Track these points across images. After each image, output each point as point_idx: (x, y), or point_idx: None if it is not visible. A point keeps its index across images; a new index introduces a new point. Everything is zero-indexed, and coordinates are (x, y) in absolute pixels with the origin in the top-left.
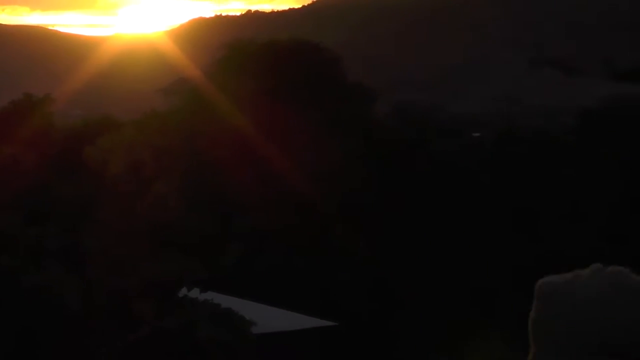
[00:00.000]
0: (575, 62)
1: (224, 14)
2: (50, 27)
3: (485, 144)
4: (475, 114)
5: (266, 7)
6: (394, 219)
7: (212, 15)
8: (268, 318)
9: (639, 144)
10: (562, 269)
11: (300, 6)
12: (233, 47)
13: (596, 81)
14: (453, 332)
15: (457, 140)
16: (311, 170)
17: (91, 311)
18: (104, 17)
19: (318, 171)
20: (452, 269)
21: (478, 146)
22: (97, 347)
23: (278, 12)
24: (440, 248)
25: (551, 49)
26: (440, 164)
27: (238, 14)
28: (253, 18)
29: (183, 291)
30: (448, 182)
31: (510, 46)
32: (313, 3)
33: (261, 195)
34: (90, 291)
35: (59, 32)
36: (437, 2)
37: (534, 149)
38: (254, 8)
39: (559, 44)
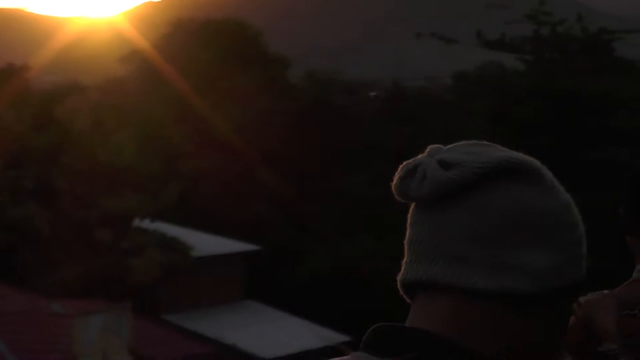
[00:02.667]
0: (452, 34)
1: None
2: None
3: (378, 101)
4: (371, 77)
5: None
6: (304, 161)
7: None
8: (204, 243)
9: (503, 100)
10: None
11: None
12: (177, 25)
13: (470, 49)
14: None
15: (355, 97)
16: (238, 122)
17: (60, 237)
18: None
19: (243, 124)
20: (349, 199)
21: (373, 102)
22: (65, 265)
23: None
24: (340, 182)
25: (432, 23)
26: (341, 116)
27: None
28: (192, 1)
29: (136, 222)
30: (346, 131)
31: (399, 20)
32: None
33: (198, 143)
34: (59, 222)
35: (31, 13)
36: None
37: (418, 105)
38: None
39: (438, 19)
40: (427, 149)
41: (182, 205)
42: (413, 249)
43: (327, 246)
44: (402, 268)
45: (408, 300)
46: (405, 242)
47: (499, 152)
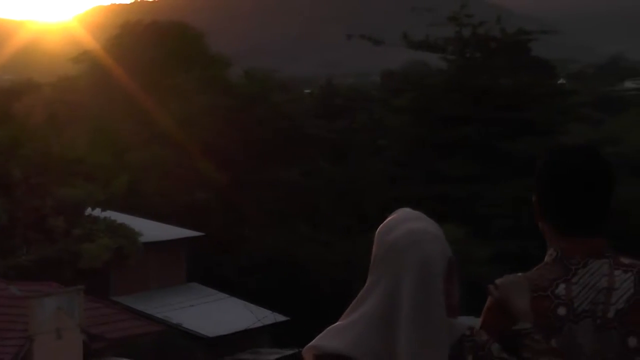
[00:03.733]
0: (380, 36)
1: (117, 2)
2: None
3: (312, 97)
4: (306, 75)
5: None
6: (243, 153)
7: (109, 3)
8: (150, 230)
9: (427, 96)
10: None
11: None
12: (124, 27)
13: (396, 50)
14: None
15: (291, 94)
16: (181, 118)
17: (16, 224)
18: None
19: (186, 119)
20: (284, 189)
21: (307, 98)
22: (21, 250)
23: (160, 1)
24: (276, 173)
25: (362, 26)
26: (277, 112)
27: (129, 2)
28: (140, 5)
29: (88, 210)
30: (282, 125)
31: (331, 23)
32: None
33: (144, 136)
34: (16, 210)
35: None
36: None
37: (349, 101)
38: None
39: (367, 22)
40: None
41: (130, 195)
42: None
43: (264, 232)
44: None
45: None
46: None
47: None
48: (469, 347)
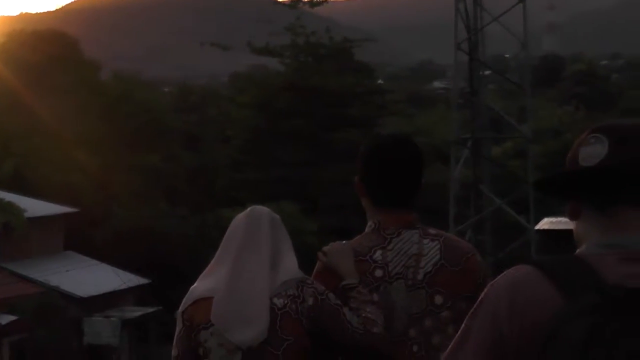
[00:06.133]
0: (228, 43)
1: (3, 15)
2: None
3: (170, 95)
4: (165, 77)
5: (32, 9)
6: (113, 142)
7: None
8: (34, 207)
9: (267, 94)
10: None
11: (54, 9)
12: (10, 35)
13: (242, 55)
14: None
15: (152, 93)
16: (59, 113)
17: None
18: None
19: (63, 114)
20: (147, 172)
21: (166, 96)
22: None
23: (41, 13)
24: (140, 159)
25: (213, 34)
26: (141, 107)
27: (14, 14)
28: (24, 17)
29: None
30: (145, 119)
31: (187, 32)
32: (66, 5)
33: (28, 128)
34: None
35: None
36: (144, 2)
37: (202, 98)
38: (24, 10)
39: (218, 31)
40: None
41: (16, 178)
42: None
43: (130, 209)
44: None
45: None
46: None
47: None
48: (310, 291)
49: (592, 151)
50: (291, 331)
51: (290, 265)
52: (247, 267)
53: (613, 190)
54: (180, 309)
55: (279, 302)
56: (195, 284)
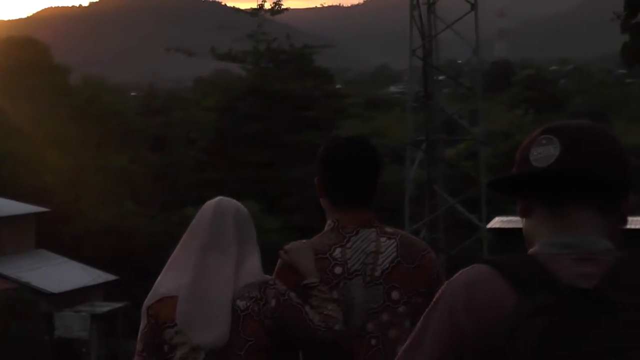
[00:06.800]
0: (193, 49)
1: None
2: None
3: (137, 99)
4: (133, 81)
5: (4, 17)
6: (82, 143)
7: None
8: (7, 206)
9: (230, 98)
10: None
11: (26, 16)
12: None
13: (206, 60)
14: None
15: (119, 97)
16: (31, 115)
17: None
18: None
19: (36, 116)
20: (115, 173)
21: (133, 100)
22: None
23: (13, 20)
24: (108, 160)
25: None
26: (109, 110)
27: None
28: None
29: None
30: (113, 121)
31: (153, 39)
32: (37, 12)
33: (1, 130)
34: None
35: None
36: (119, 7)
37: (167, 101)
38: None
39: (182, 38)
40: None
41: None
42: None
43: (99, 208)
44: None
45: None
46: None
47: None
48: (273, 292)
49: (544, 152)
50: (252, 332)
51: (253, 266)
52: (211, 267)
53: (564, 191)
54: (145, 304)
55: (241, 304)
56: (159, 278)
